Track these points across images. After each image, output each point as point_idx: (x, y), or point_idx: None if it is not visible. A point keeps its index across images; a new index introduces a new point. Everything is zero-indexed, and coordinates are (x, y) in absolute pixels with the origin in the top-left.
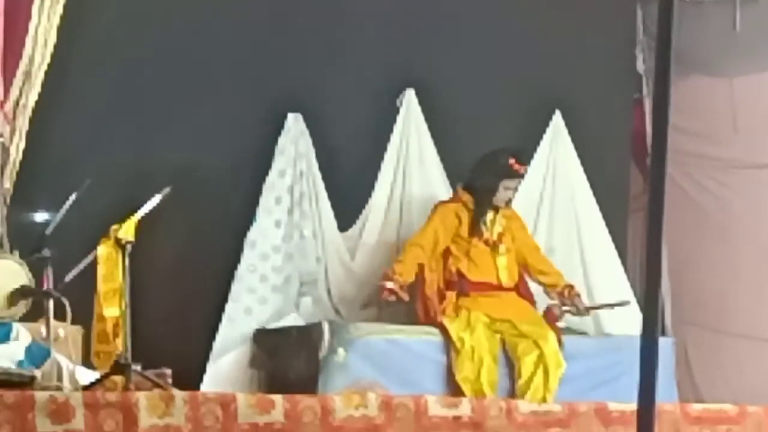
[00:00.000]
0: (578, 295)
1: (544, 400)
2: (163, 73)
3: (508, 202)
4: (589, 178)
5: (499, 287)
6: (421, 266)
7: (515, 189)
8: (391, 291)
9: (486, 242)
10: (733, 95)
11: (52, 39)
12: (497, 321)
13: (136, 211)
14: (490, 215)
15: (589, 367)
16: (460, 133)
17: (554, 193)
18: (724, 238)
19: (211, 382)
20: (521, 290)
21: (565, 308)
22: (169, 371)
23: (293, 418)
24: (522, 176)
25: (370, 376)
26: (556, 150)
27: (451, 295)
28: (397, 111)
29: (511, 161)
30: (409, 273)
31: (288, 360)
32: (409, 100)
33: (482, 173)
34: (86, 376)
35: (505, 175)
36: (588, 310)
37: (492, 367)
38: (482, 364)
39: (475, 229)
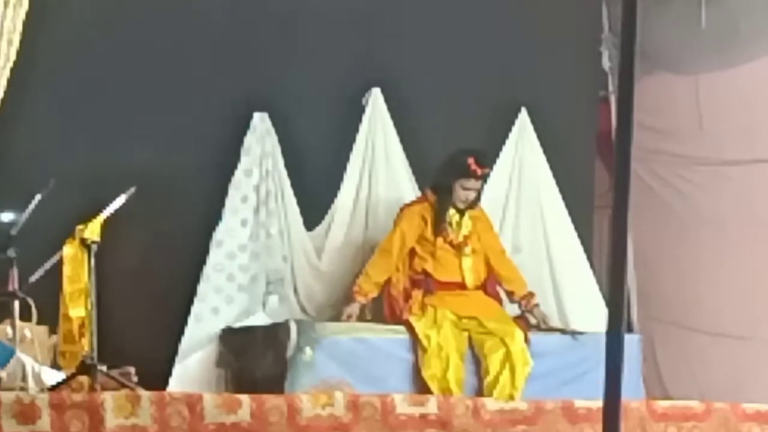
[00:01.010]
0: (537, 305)
1: (511, 397)
2: (128, 73)
3: (473, 203)
4: (554, 176)
5: (465, 286)
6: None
7: (476, 190)
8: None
9: (451, 243)
10: (698, 92)
11: (16, 40)
12: (464, 319)
13: (101, 212)
14: (456, 216)
15: (556, 364)
16: (426, 131)
17: (520, 190)
18: (689, 234)
19: (177, 382)
20: (488, 289)
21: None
22: (132, 369)
23: (260, 418)
24: (481, 177)
25: (338, 374)
26: (522, 148)
27: (417, 293)
28: (363, 110)
29: (470, 161)
30: (373, 289)
31: (255, 359)
32: (375, 99)
33: (442, 173)
34: (52, 376)
35: (462, 175)
36: (544, 322)
37: (459, 365)
38: (449, 361)
39: (438, 228)
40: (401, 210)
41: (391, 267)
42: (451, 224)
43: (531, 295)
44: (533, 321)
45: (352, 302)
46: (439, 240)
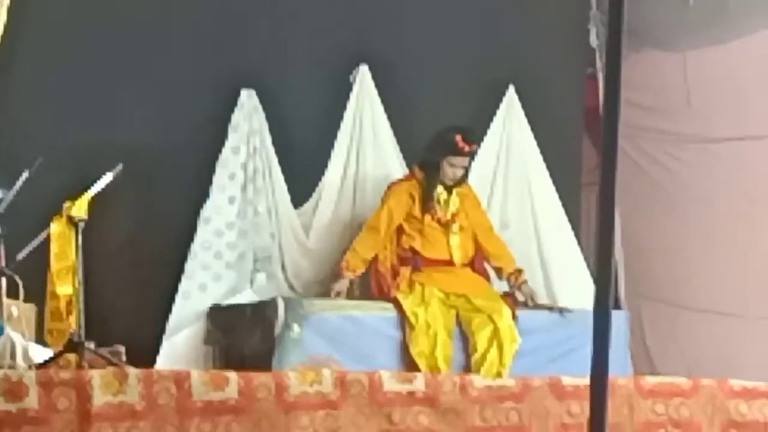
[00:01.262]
0: (525, 282)
1: (498, 374)
2: (115, 51)
3: (461, 180)
4: (542, 152)
5: (453, 264)
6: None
7: (463, 167)
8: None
9: (438, 221)
10: (685, 69)
11: (2, 17)
12: (452, 296)
13: (88, 189)
14: (444, 194)
15: (544, 341)
16: (413, 108)
17: (508, 167)
18: (677, 211)
19: (165, 360)
20: (476, 266)
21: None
22: (122, 348)
23: (247, 395)
24: (468, 154)
25: (325, 352)
26: (510, 124)
27: (405, 270)
28: (350, 87)
29: (457, 138)
30: (360, 265)
31: (243, 337)
32: (363, 75)
33: (430, 150)
34: (40, 354)
35: (450, 152)
36: (532, 299)
37: (446, 342)
38: (437, 339)
39: (425, 206)
40: (389, 187)
41: (378, 244)
42: (438, 202)
43: (519, 272)
44: (521, 298)
45: (339, 278)
46: (427, 217)
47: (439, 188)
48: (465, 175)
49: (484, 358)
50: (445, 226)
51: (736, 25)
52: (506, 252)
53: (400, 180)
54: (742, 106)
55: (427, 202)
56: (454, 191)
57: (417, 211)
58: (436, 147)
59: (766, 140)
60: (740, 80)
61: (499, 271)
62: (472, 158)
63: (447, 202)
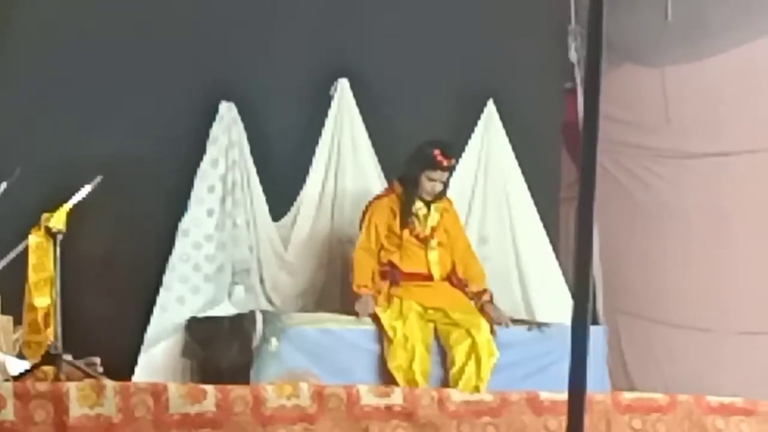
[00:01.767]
0: (489, 302)
1: (476, 388)
2: (94, 61)
3: (439, 195)
4: (521, 166)
5: (431, 278)
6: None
7: (442, 181)
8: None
9: (417, 236)
10: (664, 85)
11: None
12: (430, 310)
13: (67, 200)
14: (423, 209)
15: (522, 355)
16: (393, 122)
17: (487, 181)
18: (655, 226)
19: (143, 372)
20: (453, 280)
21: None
22: (97, 359)
23: (225, 408)
24: (447, 169)
25: (303, 365)
26: (489, 139)
27: (383, 284)
28: (330, 100)
29: (435, 152)
30: (369, 282)
31: (221, 349)
32: (342, 89)
33: (409, 164)
34: (16, 366)
35: (428, 166)
36: (498, 321)
37: (425, 356)
38: (415, 352)
39: (404, 221)
40: (370, 204)
41: (375, 260)
42: (417, 217)
43: (483, 291)
44: (487, 318)
45: (357, 297)
46: (405, 232)
47: (419, 203)
48: (444, 190)
49: (462, 371)
50: (424, 241)
51: (714, 42)
52: (477, 271)
53: (380, 195)
54: (720, 121)
55: (405, 216)
56: (433, 206)
57: (396, 226)
58: (415, 161)
59: (743, 156)
60: (718, 96)
61: (464, 287)
62: (451, 172)
63: (426, 217)
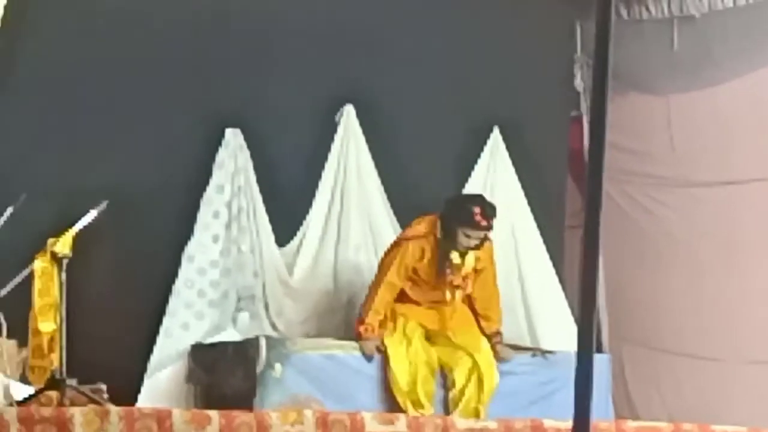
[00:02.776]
0: (500, 342)
1: (476, 410)
2: (100, 88)
3: (477, 246)
4: (526, 195)
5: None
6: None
7: (479, 239)
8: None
9: (450, 283)
10: (670, 113)
11: None
12: (432, 331)
13: (72, 226)
14: (458, 260)
15: (526, 383)
16: (398, 149)
17: None
18: (660, 255)
19: (147, 398)
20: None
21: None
22: (104, 386)
23: None
24: (485, 228)
25: (307, 391)
26: (494, 167)
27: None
28: (335, 127)
29: (475, 210)
30: (375, 323)
31: (225, 375)
32: (348, 116)
33: (449, 215)
34: (21, 391)
35: (467, 224)
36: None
37: (428, 378)
38: (418, 374)
39: (438, 269)
40: (405, 239)
41: (392, 298)
42: (451, 267)
43: (496, 334)
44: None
45: (365, 341)
46: (433, 271)
47: (455, 253)
48: (481, 243)
49: (463, 393)
50: (451, 287)
51: (720, 70)
52: (496, 313)
53: (418, 236)
54: (726, 150)
55: (440, 265)
56: (469, 254)
57: (424, 266)
58: (454, 215)
59: (748, 185)
60: (723, 125)
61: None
62: (490, 230)
63: (460, 268)
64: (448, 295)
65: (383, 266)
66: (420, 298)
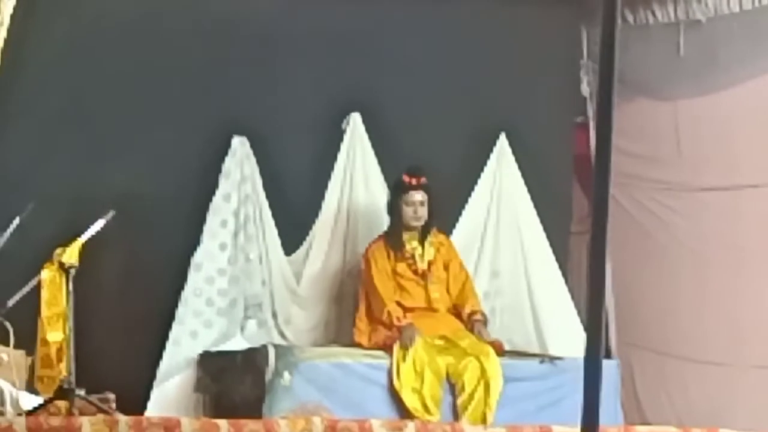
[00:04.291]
0: (480, 321)
1: (483, 415)
2: (107, 97)
3: (427, 224)
4: (533, 200)
5: (434, 311)
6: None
7: (420, 203)
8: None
9: (416, 272)
10: (676, 118)
11: None
12: (436, 338)
13: (80, 235)
14: (418, 249)
15: (534, 389)
16: (405, 157)
17: (499, 214)
18: (667, 260)
19: (155, 407)
20: (454, 311)
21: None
22: (112, 396)
23: None
24: (418, 187)
25: (316, 399)
26: (501, 172)
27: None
28: (342, 135)
29: (404, 176)
30: (399, 312)
31: (233, 384)
32: (355, 123)
33: (389, 199)
34: (30, 400)
35: (401, 191)
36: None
37: (434, 382)
38: (424, 379)
39: (396, 251)
40: (366, 252)
41: (384, 303)
42: (413, 255)
43: (474, 312)
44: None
45: (402, 328)
46: (402, 266)
47: (413, 242)
48: (429, 216)
49: (472, 397)
50: (423, 276)
51: (727, 75)
52: (472, 295)
53: (375, 241)
54: (733, 155)
55: (396, 247)
56: (426, 242)
57: (394, 263)
58: (392, 194)
59: (756, 189)
60: (730, 129)
61: (460, 310)
62: (427, 192)
63: (422, 255)
64: (434, 294)
65: (366, 277)
66: (409, 301)
